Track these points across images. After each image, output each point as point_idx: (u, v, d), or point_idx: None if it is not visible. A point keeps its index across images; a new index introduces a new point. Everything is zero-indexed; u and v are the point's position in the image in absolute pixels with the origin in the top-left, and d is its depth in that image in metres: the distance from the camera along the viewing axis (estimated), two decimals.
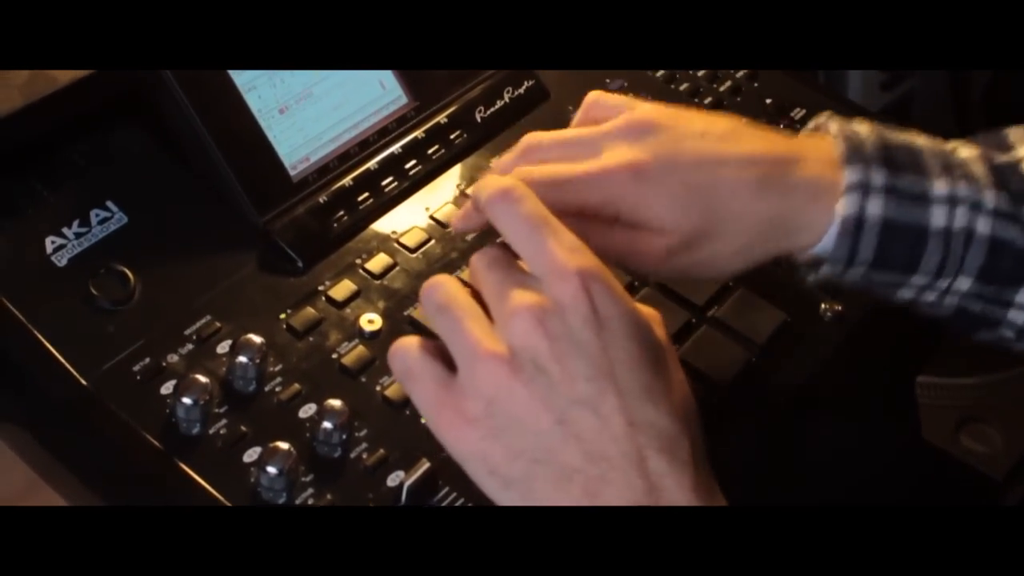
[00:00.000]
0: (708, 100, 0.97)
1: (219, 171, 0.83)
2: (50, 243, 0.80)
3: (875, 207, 0.71)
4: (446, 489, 0.72)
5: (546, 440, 0.59)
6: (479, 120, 0.93)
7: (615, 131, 0.72)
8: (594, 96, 0.77)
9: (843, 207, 0.71)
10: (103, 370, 0.75)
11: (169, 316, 0.78)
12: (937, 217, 0.72)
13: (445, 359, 0.62)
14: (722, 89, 0.98)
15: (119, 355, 0.76)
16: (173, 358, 0.76)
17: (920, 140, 0.75)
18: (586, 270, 0.61)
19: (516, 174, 0.70)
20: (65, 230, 0.81)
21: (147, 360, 0.76)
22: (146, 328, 0.78)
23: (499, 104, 0.94)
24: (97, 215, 0.82)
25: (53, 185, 0.82)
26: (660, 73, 0.99)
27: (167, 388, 0.74)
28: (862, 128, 0.74)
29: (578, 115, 0.77)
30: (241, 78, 0.83)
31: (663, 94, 0.97)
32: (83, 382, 0.75)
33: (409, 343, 0.63)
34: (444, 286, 0.63)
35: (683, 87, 0.98)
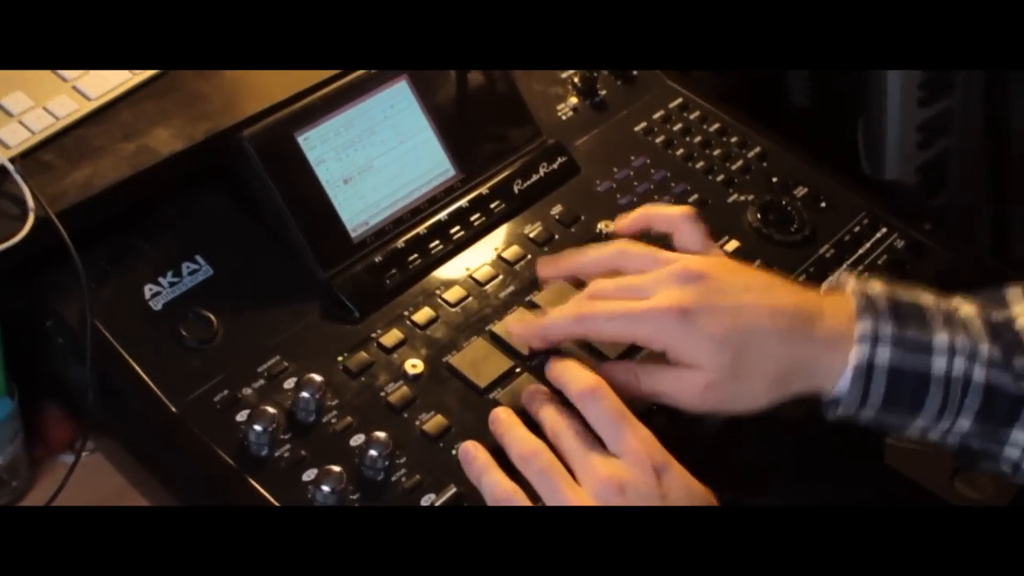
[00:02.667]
0: (720, 177, 1.06)
1: (291, 232, 0.92)
2: (148, 290, 0.88)
3: (883, 356, 0.80)
4: None
5: None
6: (516, 191, 1.00)
7: (667, 276, 0.82)
8: (691, 216, 0.88)
9: (855, 355, 0.80)
10: (189, 399, 0.84)
11: (245, 355, 0.87)
12: (938, 365, 0.80)
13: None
14: (734, 167, 1.07)
15: (202, 387, 0.84)
16: (247, 391, 0.84)
17: (926, 297, 0.83)
18: (656, 458, 0.77)
19: (583, 307, 0.83)
20: (160, 279, 0.89)
21: (226, 392, 0.84)
22: (226, 365, 0.86)
23: (535, 178, 1.01)
24: (187, 267, 0.90)
25: (151, 241, 0.91)
26: (680, 151, 1.08)
27: (242, 416, 0.83)
28: (875, 286, 0.82)
29: (664, 215, 0.89)
30: (312, 153, 0.93)
31: (681, 171, 1.06)
32: (172, 408, 0.83)
33: (516, 497, 0.77)
34: (540, 455, 0.78)
35: (699, 165, 1.07)
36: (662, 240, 0.89)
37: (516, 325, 0.88)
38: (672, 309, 0.80)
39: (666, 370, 0.82)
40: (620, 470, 0.76)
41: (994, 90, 1.38)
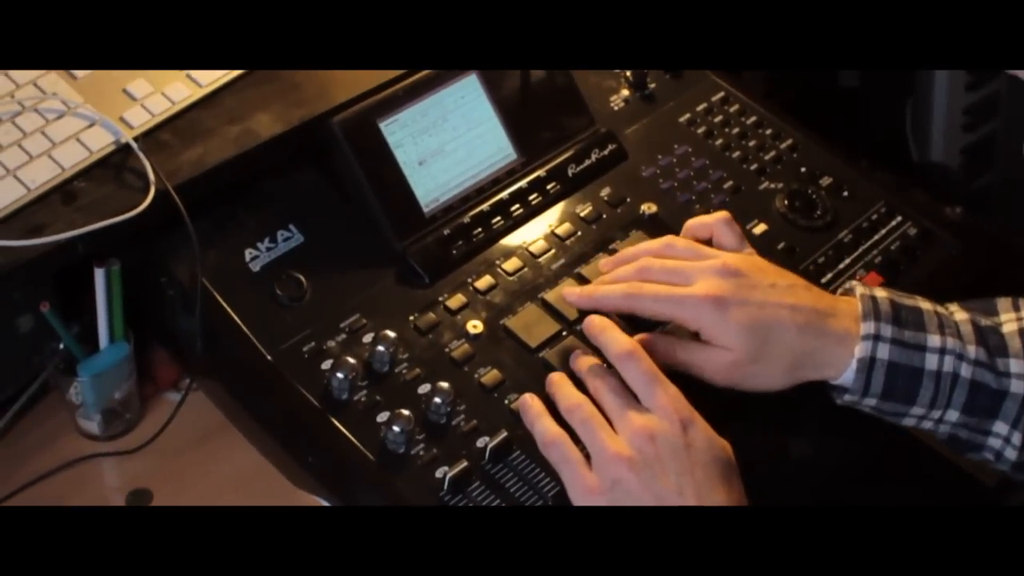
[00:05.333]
0: (754, 166, 1.15)
1: (371, 206, 1.01)
2: (248, 254, 0.98)
3: (883, 352, 0.91)
4: (518, 452, 0.90)
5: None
6: (570, 175, 1.10)
7: (710, 268, 0.94)
8: (727, 220, 1.00)
9: (860, 351, 0.91)
10: (281, 348, 0.94)
11: (330, 312, 0.96)
12: (930, 362, 0.91)
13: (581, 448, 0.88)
14: (767, 157, 1.17)
15: (293, 339, 0.94)
16: (331, 343, 0.94)
17: (924, 303, 0.94)
18: (683, 413, 0.87)
19: (634, 287, 0.95)
20: (259, 244, 0.99)
21: (313, 344, 0.94)
22: (313, 320, 0.95)
23: (587, 162, 1.11)
24: (282, 235, 1.00)
25: (252, 211, 1.00)
26: (719, 141, 1.17)
27: (326, 365, 0.92)
28: (880, 292, 0.93)
29: (703, 223, 1.01)
30: (392, 137, 1.03)
31: (719, 159, 1.16)
32: (267, 356, 0.93)
33: (562, 440, 0.88)
34: (583, 407, 0.89)
35: (735, 154, 1.16)
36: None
37: (571, 290, 1.00)
38: (709, 298, 0.92)
39: (700, 347, 0.94)
40: (651, 422, 0.87)
41: None
